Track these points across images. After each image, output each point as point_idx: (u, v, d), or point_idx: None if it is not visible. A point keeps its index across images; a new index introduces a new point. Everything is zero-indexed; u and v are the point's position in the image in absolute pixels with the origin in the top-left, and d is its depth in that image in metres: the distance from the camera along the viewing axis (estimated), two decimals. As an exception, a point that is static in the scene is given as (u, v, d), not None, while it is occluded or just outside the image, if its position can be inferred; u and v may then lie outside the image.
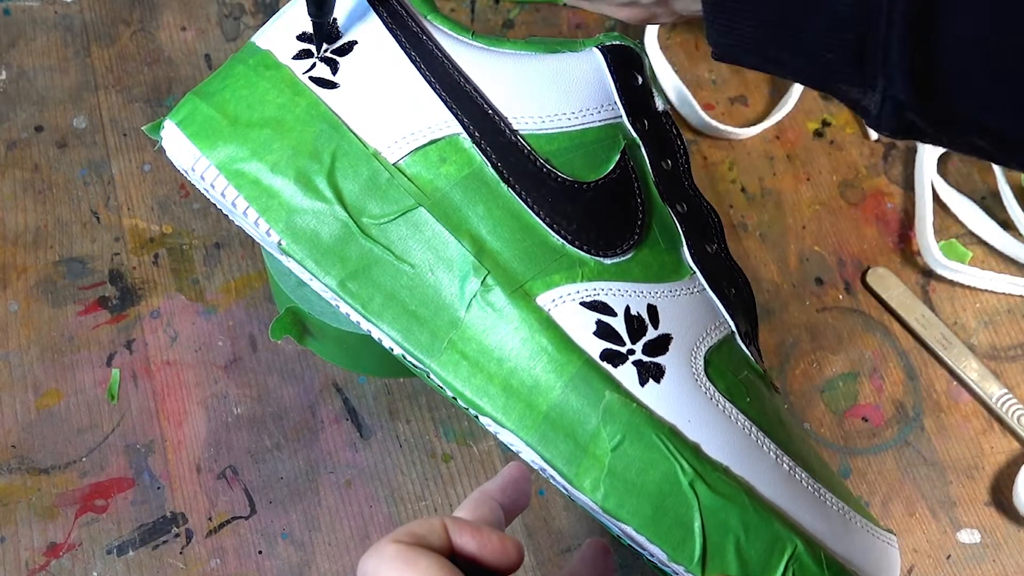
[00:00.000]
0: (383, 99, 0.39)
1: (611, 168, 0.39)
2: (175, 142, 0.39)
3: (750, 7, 0.31)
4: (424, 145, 0.38)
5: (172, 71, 0.57)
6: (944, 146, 0.34)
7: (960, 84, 0.29)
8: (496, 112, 0.39)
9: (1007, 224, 0.56)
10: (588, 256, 0.38)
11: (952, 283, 0.55)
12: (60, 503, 0.47)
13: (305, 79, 0.39)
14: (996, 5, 0.28)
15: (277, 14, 0.42)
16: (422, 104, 0.39)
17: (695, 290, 0.40)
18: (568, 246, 0.38)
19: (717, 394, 0.38)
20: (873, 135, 0.58)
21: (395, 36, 0.40)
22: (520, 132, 0.39)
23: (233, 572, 0.46)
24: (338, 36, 0.40)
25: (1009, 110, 0.30)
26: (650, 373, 0.37)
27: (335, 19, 0.40)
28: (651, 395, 0.37)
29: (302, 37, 0.40)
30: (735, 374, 0.39)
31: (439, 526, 0.31)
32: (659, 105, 0.41)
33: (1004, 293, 0.55)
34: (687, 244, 0.40)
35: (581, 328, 0.37)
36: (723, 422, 0.38)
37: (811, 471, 0.39)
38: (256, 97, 0.39)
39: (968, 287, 0.55)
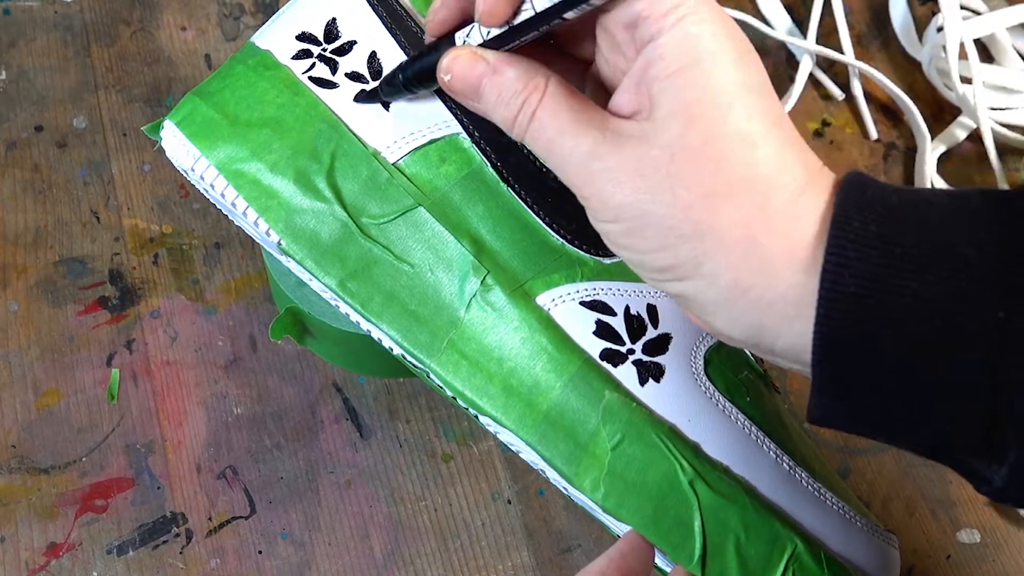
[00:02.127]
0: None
1: (611, 168, 0.39)
2: (175, 142, 0.39)
3: (868, 377, 0.28)
4: (424, 145, 0.38)
5: (172, 71, 0.57)
6: None
7: None
8: (496, 112, 0.39)
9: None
10: (588, 256, 0.38)
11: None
12: (60, 503, 0.47)
13: (304, 79, 0.39)
14: None
15: (277, 14, 0.42)
16: (422, 104, 0.39)
17: (695, 290, 0.40)
18: (568, 246, 0.38)
19: (717, 394, 0.38)
20: (873, 134, 0.58)
21: (394, 36, 0.40)
22: (520, 132, 0.39)
23: (233, 572, 0.46)
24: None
25: None
26: (650, 373, 0.37)
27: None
28: (651, 395, 0.37)
29: (301, 37, 0.40)
30: (735, 374, 0.39)
31: None
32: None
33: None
34: (687, 244, 0.40)
35: (581, 328, 0.37)
36: (723, 422, 0.38)
37: (811, 471, 0.39)
38: (256, 97, 0.39)
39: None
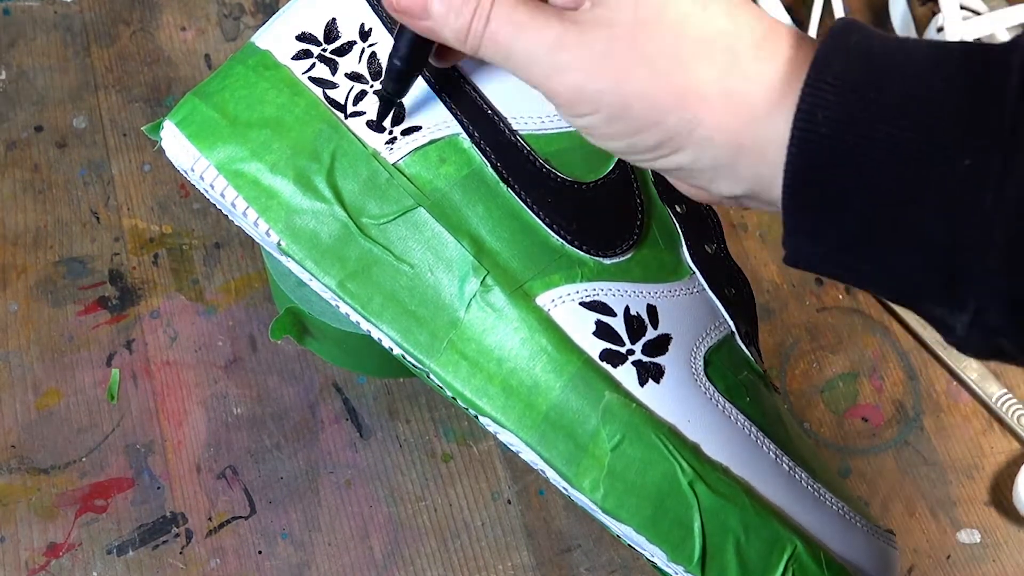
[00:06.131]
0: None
1: (610, 168, 0.39)
2: (174, 142, 0.39)
3: (835, 220, 0.29)
4: (424, 145, 0.38)
5: (172, 71, 0.57)
6: None
7: None
8: (496, 112, 0.39)
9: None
10: (587, 256, 0.38)
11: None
12: (60, 503, 0.47)
13: (304, 79, 0.39)
14: None
15: (277, 14, 0.42)
16: (422, 104, 0.39)
17: (694, 290, 0.40)
18: (567, 246, 0.38)
19: (717, 394, 0.38)
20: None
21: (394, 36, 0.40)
22: (520, 132, 0.39)
23: (233, 572, 0.46)
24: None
25: None
26: (649, 373, 0.37)
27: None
28: (651, 395, 0.37)
29: (301, 37, 0.40)
30: (735, 374, 0.39)
31: None
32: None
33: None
34: (686, 244, 0.40)
35: (580, 328, 0.37)
36: (723, 422, 0.38)
37: (811, 471, 0.39)
38: (255, 97, 0.39)
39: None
